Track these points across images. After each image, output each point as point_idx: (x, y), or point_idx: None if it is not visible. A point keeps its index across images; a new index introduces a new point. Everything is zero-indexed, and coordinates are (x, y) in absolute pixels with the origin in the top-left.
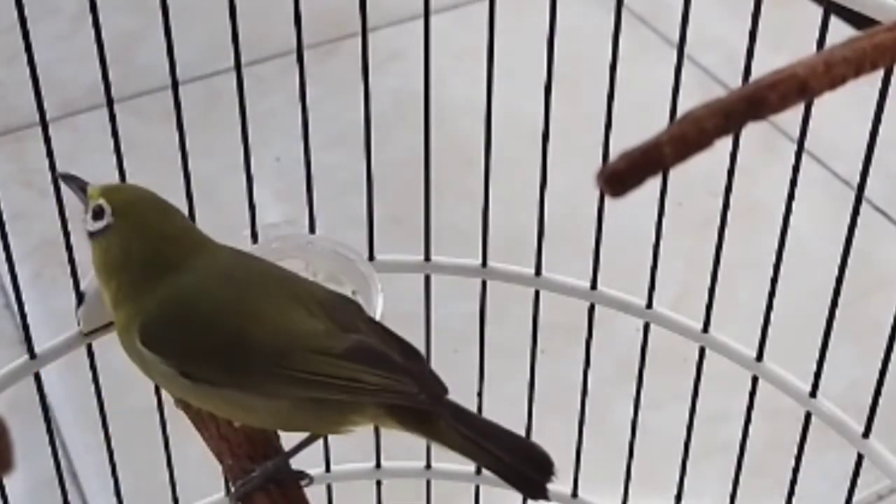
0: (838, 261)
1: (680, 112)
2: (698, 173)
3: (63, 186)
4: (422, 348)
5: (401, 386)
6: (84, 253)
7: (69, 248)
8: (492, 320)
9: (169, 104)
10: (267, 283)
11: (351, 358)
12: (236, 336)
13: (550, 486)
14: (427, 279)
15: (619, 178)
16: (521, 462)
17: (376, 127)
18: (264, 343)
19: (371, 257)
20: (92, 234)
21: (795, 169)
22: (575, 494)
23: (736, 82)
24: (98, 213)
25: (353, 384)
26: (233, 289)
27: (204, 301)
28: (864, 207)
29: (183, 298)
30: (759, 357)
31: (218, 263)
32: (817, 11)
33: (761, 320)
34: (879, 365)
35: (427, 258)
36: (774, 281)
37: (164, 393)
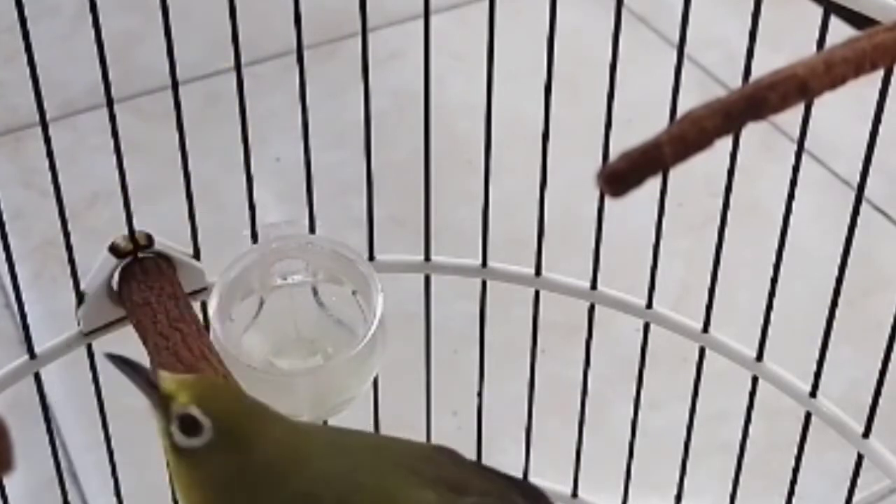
0: (838, 261)
1: (680, 112)
2: (698, 173)
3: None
4: (422, 348)
5: None
6: (84, 253)
7: (69, 248)
8: (492, 320)
9: (169, 104)
10: (371, 456)
11: None
12: None
13: (551, 486)
14: (427, 279)
15: (619, 178)
16: None
17: (376, 127)
18: None
19: (371, 257)
20: (181, 450)
21: (795, 169)
22: (575, 494)
23: (736, 82)
24: (191, 427)
25: None
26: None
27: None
28: (864, 207)
29: None
30: (759, 357)
31: (333, 462)
32: (817, 11)
33: (761, 320)
34: (879, 365)
35: (427, 258)
36: (774, 281)
37: None
